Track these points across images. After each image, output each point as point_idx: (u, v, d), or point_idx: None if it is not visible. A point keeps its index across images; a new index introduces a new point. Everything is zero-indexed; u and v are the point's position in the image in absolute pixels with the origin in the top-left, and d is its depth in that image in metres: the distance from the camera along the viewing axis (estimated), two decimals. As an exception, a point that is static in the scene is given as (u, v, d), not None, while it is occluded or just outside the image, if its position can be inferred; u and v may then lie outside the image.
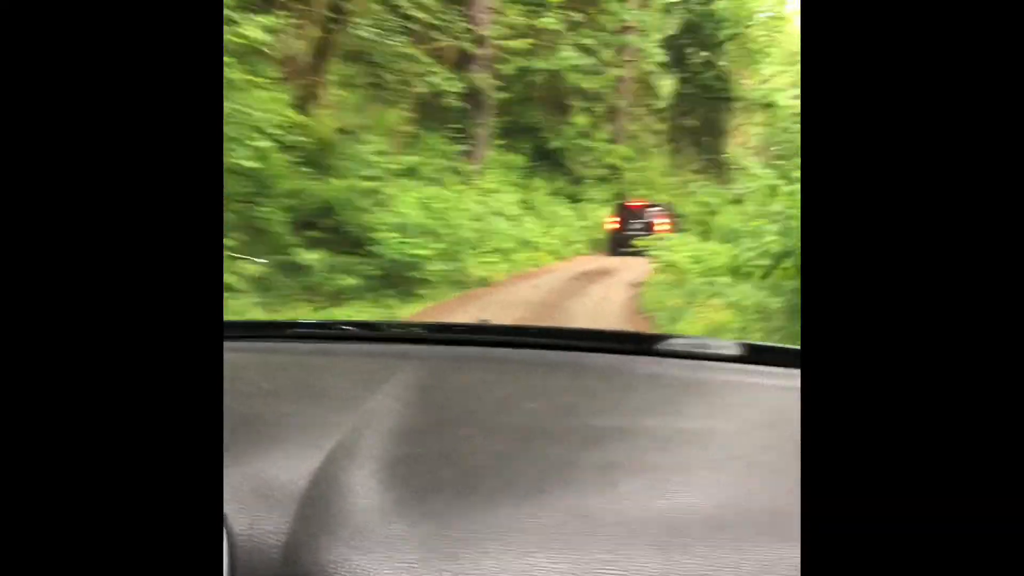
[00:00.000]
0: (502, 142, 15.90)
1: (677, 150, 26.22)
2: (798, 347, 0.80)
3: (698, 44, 24.41)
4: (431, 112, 12.60)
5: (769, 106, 26.11)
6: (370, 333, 1.27)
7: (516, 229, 13.01)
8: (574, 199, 17.52)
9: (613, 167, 20.37)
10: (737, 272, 6.80)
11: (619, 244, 15.37)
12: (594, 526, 0.56)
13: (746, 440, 0.76)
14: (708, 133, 26.64)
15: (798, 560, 0.49)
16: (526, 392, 0.90)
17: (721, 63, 25.36)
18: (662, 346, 1.05)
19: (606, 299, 8.67)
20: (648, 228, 14.98)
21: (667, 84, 26.77)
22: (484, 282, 9.49)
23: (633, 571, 0.52)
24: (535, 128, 17.42)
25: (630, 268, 11.52)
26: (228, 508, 0.59)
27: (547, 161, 17.41)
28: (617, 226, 16.03)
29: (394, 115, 11.46)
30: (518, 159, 16.00)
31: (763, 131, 29.05)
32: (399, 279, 7.81)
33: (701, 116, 26.45)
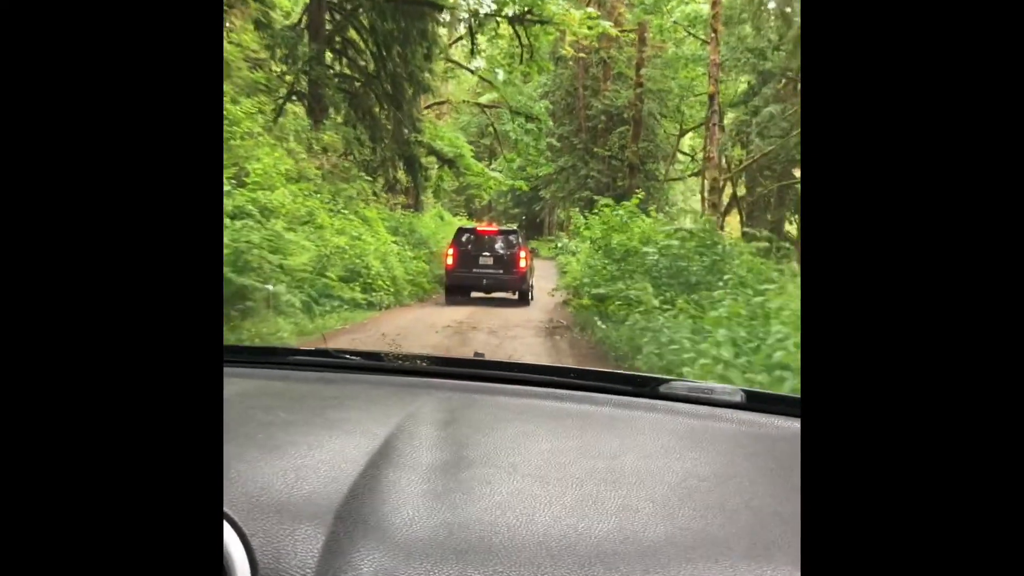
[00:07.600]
0: None
1: (317, 123, 13.70)
2: (797, 395, 0.94)
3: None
4: None
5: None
6: (372, 364, 1.27)
7: None
8: None
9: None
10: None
11: (462, 286, 11.52)
12: (617, 569, 0.60)
13: (750, 486, 0.80)
14: (391, 101, 14.72)
15: None
16: (538, 431, 0.94)
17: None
18: (665, 389, 1.12)
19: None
20: (508, 263, 11.51)
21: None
22: None
23: None
24: None
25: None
26: (255, 540, 0.64)
27: None
28: (454, 262, 11.53)
29: None
30: None
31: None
32: None
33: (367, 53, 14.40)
